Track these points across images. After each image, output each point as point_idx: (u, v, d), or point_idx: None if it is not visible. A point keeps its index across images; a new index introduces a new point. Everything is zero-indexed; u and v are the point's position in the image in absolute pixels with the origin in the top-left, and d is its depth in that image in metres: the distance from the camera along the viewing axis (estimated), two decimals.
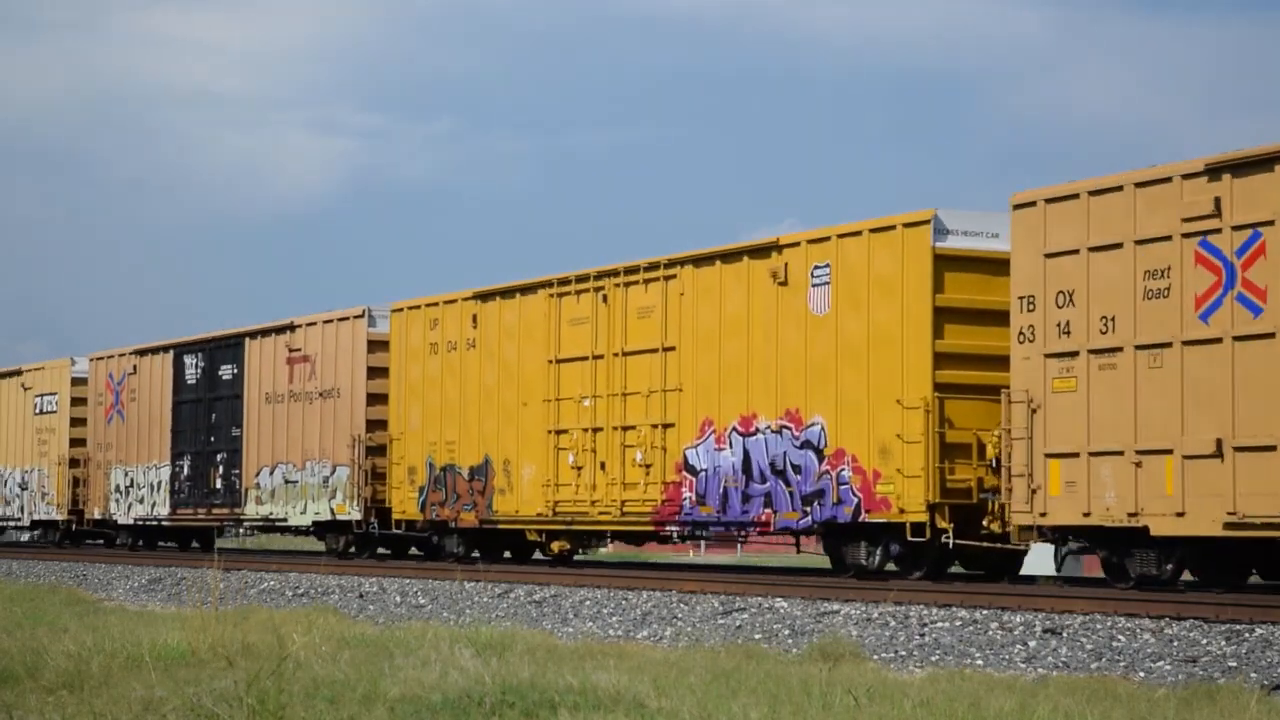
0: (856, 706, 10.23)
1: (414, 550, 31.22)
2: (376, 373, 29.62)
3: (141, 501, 36.27)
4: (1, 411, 42.42)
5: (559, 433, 25.19)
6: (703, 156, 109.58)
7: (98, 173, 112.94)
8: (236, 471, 33.07)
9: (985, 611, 16.97)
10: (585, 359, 24.81)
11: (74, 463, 39.12)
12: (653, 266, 23.75)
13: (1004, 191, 20.76)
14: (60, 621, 17.59)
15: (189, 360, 34.88)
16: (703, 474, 22.66)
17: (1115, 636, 15.23)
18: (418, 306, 28.38)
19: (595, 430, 24.53)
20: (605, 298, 24.50)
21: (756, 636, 17.03)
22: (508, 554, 28.70)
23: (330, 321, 30.58)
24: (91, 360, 38.57)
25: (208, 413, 34.09)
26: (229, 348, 33.60)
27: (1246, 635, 14.58)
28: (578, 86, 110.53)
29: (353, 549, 30.63)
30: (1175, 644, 14.64)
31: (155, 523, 35.96)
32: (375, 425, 29.54)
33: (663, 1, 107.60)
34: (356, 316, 29.93)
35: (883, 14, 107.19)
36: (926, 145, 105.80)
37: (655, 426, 23.49)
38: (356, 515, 29.42)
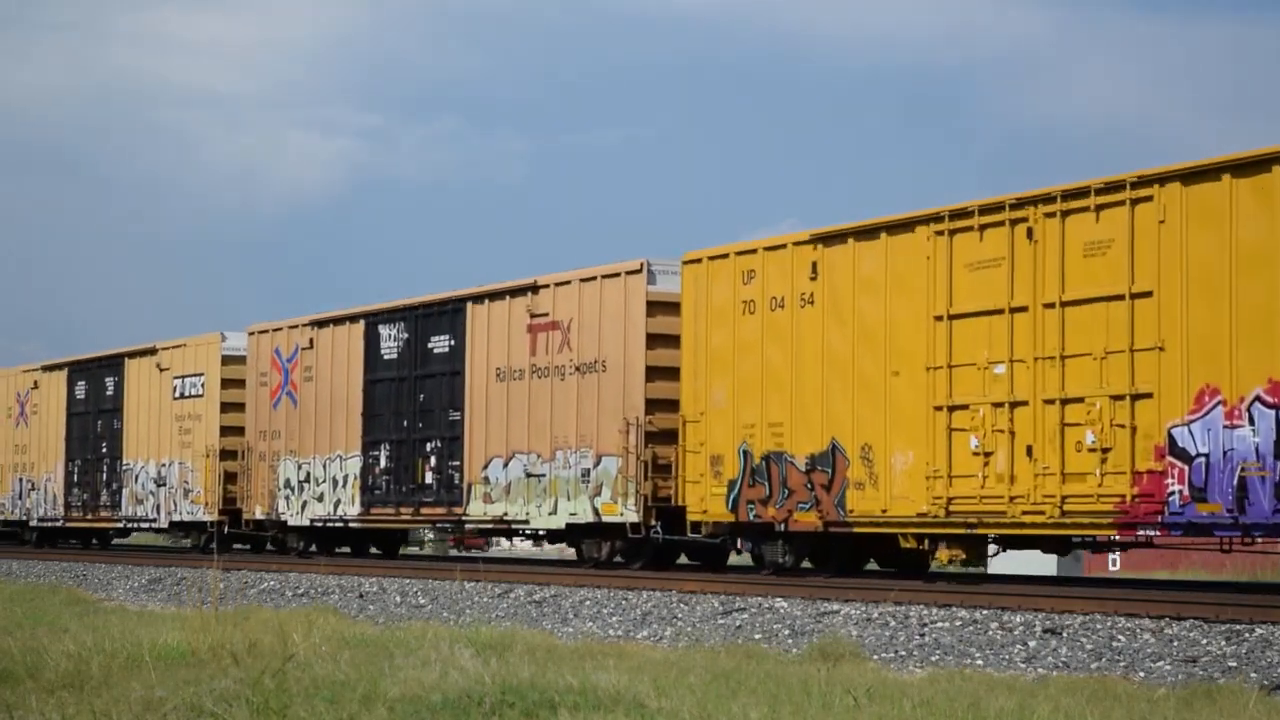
0: (856, 706, 10.23)
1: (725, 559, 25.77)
2: (658, 341, 24.00)
3: (320, 500, 30.64)
4: (130, 396, 36.87)
5: (952, 409, 19.50)
6: (702, 156, 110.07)
7: (97, 172, 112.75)
8: (455, 464, 27.42)
9: (985, 611, 16.96)
10: (994, 313, 19.13)
11: (227, 454, 33.58)
12: (1112, 187, 18.06)
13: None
14: (60, 621, 17.58)
15: (386, 331, 29.26)
16: (1199, 460, 16.96)
17: (1115, 636, 15.18)
18: (724, 255, 22.72)
19: (1014, 405, 18.82)
20: (1030, 232, 18.81)
21: (756, 636, 17.02)
22: (870, 564, 23.12)
23: (592, 279, 24.91)
24: (251, 334, 32.94)
25: (413, 393, 28.48)
26: (444, 314, 27.96)
27: (1246, 635, 14.50)
28: (577, 86, 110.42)
29: (618, 557, 25.00)
30: (1175, 644, 14.55)
31: (339, 524, 30.32)
32: (657, 405, 23.91)
33: (664, 2, 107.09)
34: (632, 272, 24.26)
35: (884, 13, 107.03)
36: (928, 145, 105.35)
37: (1117, 398, 17.79)
38: (632, 516, 23.74)
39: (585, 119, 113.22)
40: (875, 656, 15.06)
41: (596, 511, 24.39)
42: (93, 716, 10.34)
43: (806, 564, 22.48)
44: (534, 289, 25.94)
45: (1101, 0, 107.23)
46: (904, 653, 15.53)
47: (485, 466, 26.65)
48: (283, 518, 31.68)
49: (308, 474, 30.99)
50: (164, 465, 35.43)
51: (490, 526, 27.00)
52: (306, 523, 31.07)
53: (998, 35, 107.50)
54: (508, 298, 26.48)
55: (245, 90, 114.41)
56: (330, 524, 30.52)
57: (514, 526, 26.33)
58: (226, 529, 33.79)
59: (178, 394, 35.14)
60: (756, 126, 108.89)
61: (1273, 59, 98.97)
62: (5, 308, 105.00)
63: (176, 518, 35.07)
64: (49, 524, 40.39)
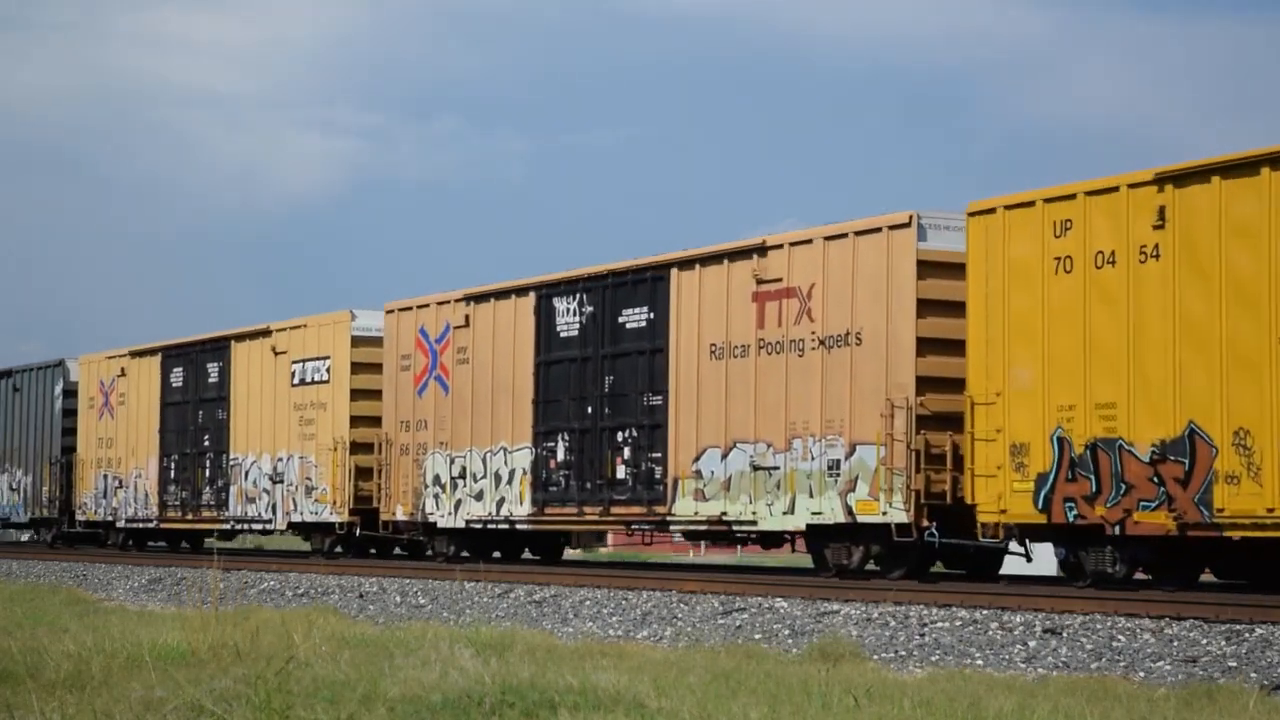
0: (856, 706, 10.19)
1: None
2: (930, 308, 20.22)
3: (479, 498, 26.85)
4: (238, 383, 33.14)
5: None
6: (702, 156, 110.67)
7: (97, 172, 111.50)
8: (656, 455, 23.63)
9: (985, 611, 16.86)
10: None
11: (358, 447, 29.81)
12: None
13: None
14: (60, 621, 17.65)
15: (563, 304, 25.51)
16: None
17: (1115, 636, 15.14)
18: (1027, 204, 18.92)
19: None
20: None
21: (756, 636, 16.97)
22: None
23: (841, 237, 21.10)
24: (390, 312, 29.18)
25: (599, 375, 24.70)
26: (640, 283, 24.18)
27: (1246, 635, 14.43)
28: (578, 86, 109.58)
29: (872, 563, 21.19)
30: (1175, 644, 14.51)
31: (504, 525, 26.54)
32: (928, 385, 20.13)
33: (664, 2, 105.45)
34: (897, 226, 20.46)
35: (884, 13, 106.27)
36: (926, 144, 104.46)
37: None
38: (899, 516, 19.93)
39: (585, 119, 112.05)
40: (875, 656, 15.02)
41: (850, 510, 20.61)
42: (93, 716, 10.32)
43: (1139, 574, 18.66)
44: (760, 250, 22.16)
45: (1101, 0, 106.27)
46: (904, 653, 15.44)
47: (697, 459, 22.87)
48: (430, 519, 27.88)
49: (463, 469, 27.19)
50: (281, 460, 31.65)
51: (704, 528, 23.17)
52: (461, 524, 27.26)
53: (998, 35, 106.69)
54: (725, 262, 22.69)
55: (245, 90, 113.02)
56: (493, 525, 26.73)
57: (736, 528, 22.53)
58: (359, 531, 30.00)
59: (297, 380, 31.34)
60: (756, 126, 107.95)
61: (1273, 59, 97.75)
62: (5, 307, 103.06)
63: (296, 518, 31.28)
64: (140, 525, 36.64)
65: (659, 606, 19.55)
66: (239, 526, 33.80)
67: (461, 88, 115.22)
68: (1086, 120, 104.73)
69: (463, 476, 27.16)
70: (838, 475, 20.75)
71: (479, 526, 26.98)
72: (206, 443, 34.02)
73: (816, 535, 21.51)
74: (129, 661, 12.85)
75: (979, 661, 14.72)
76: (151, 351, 36.08)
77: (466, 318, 27.22)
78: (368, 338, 30.00)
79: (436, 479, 27.78)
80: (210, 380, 34.00)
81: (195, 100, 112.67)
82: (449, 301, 27.70)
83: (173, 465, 35.15)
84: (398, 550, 32.06)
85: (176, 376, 35.13)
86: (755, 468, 21.87)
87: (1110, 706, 10.52)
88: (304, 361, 31.20)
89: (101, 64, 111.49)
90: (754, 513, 21.91)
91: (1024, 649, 15.10)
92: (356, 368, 30.01)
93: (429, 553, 28.62)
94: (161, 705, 10.44)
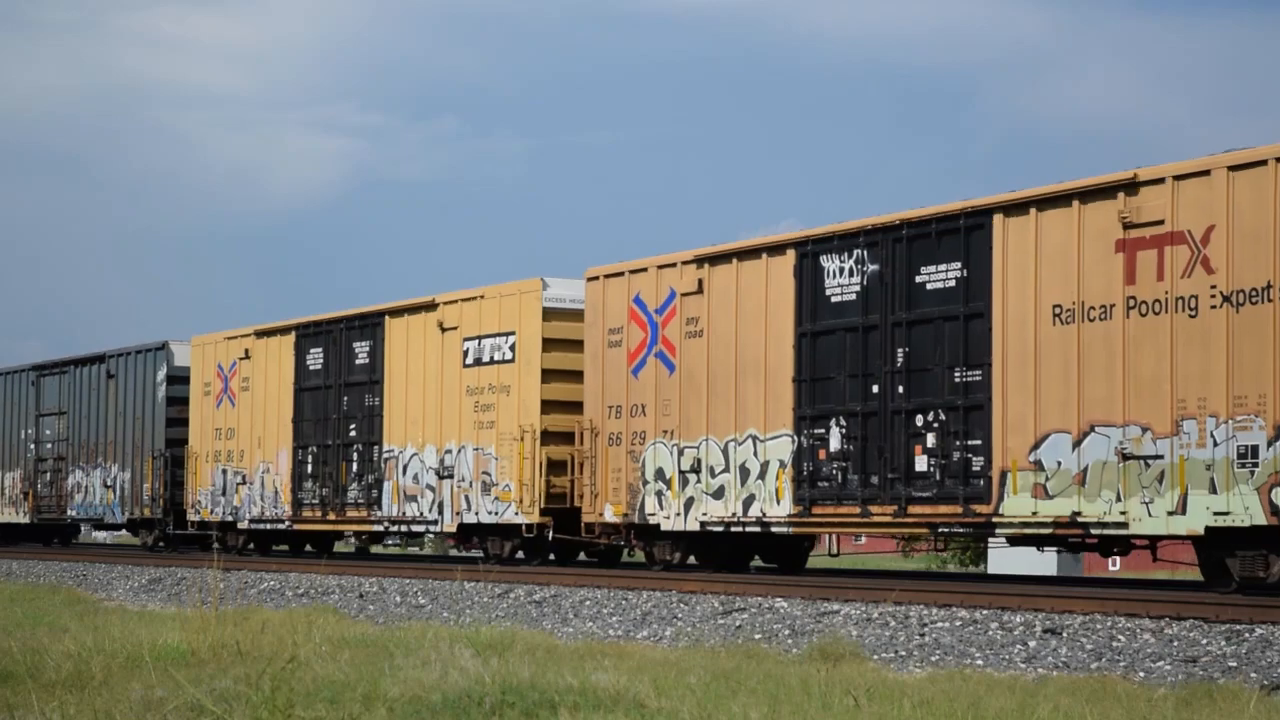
0: (856, 706, 10.20)
1: None
2: None
3: (719, 496, 22.55)
4: (393, 363, 28.84)
5: None
6: (702, 156, 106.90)
7: (97, 172, 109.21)
8: (974, 443, 19.36)
9: (985, 611, 16.79)
10: None
11: (551, 437, 25.56)
12: None
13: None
14: (60, 621, 17.76)
15: (832, 264, 21.25)
16: None
17: (1115, 636, 15.03)
18: None
19: None
20: None
21: (756, 636, 16.83)
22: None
23: (1257, 165, 16.81)
24: (592, 279, 24.91)
25: (887, 346, 20.43)
26: (944, 235, 19.89)
27: (1246, 635, 14.31)
28: (577, 86, 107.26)
29: None
30: (1175, 644, 14.41)
31: (754, 527, 22.21)
32: None
33: (664, 1, 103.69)
34: None
35: (884, 13, 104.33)
36: (926, 144, 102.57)
37: None
38: None
39: (585, 119, 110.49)
40: (875, 656, 14.97)
41: (1275, 509, 16.32)
42: (93, 716, 10.32)
43: None
44: (1129, 186, 17.89)
45: (1102, 0, 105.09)
46: (904, 653, 15.33)
47: (1036, 446, 18.61)
48: (651, 520, 23.58)
49: (696, 462, 22.89)
50: (449, 452, 27.34)
51: (1047, 532, 18.82)
52: (694, 526, 22.96)
53: (997, 35, 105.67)
54: (1075, 203, 18.43)
55: (245, 90, 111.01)
56: (739, 527, 22.41)
57: (1095, 530, 18.22)
58: (552, 533, 25.73)
59: (471, 360, 27.00)
60: (756, 126, 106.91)
61: (1273, 59, 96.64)
62: (5, 307, 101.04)
63: (470, 518, 26.89)
64: (268, 525, 32.36)
65: (659, 606, 19.52)
66: (395, 528, 29.13)
67: (461, 88, 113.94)
68: (1086, 120, 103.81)
69: (695, 470, 22.85)
70: (1253, 465, 16.48)
71: (719, 529, 22.67)
72: (353, 432, 29.65)
73: (1218, 541, 17.19)
74: (129, 661, 12.98)
75: (979, 661, 14.64)
76: (283, 330, 31.75)
77: (700, 283, 22.95)
78: (562, 309, 25.76)
79: (659, 473, 23.48)
80: (358, 361, 29.65)
81: (195, 100, 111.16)
82: (674, 264, 23.43)
83: (309, 458, 30.75)
84: (582, 555, 27.88)
85: (315, 358, 30.75)
86: (1125, 457, 17.61)
87: (1110, 706, 10.54)
88: (480, 338, 26.85)
89: (101, 64, 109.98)
90: (1123, 512, 17.63)
91: (1024, 649, 15.01)
92: (550, 344, 25.71)
93: (652, 561, 24.21)
94: (162, 705, 10.50)
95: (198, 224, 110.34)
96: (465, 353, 27.06)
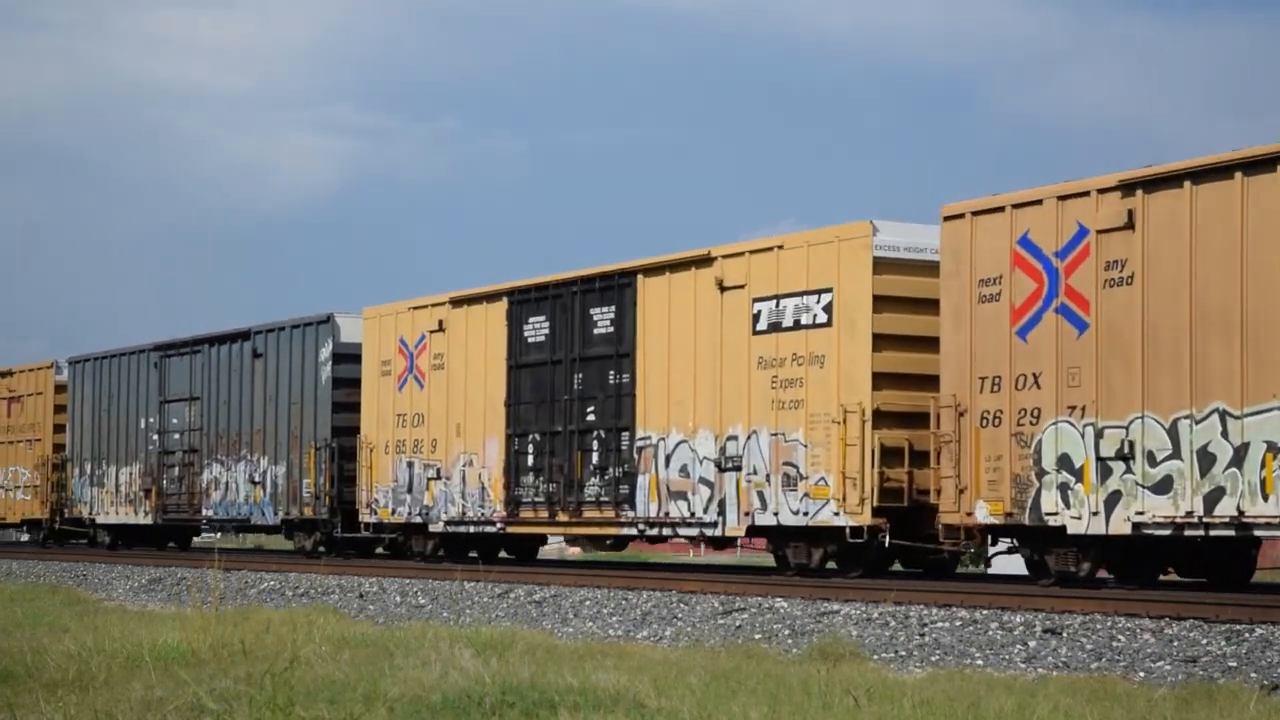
0: (856, 706, 10.22)
1: None
2: None
3: (1163, 489, 17.55)
4: (649, 331, 23.90)
5: None
6: (702, 156, 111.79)
7: (97, 172, 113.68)
8: None
9: (985, 611, 16.81)
10: None
11: (884, 418, 20.62)
12: None
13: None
14: (60, 621, 17.75)
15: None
16: None
17: (1115, 636, 15.03)
18: None
19: None
20: None
21: (756, 636, 16.82)
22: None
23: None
24: (950, 220, 19.79)
25: None
26: None
27: (1246, 635, 14.37)
28: (578, 86, 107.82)
29: None
30: (1175, 644, 14.45)
31: (1229, 530, 16.98)
32: None
33: (665, 1, 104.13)
34: None
35: (885, 13, 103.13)
36: (926, 144, 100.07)
37: None
38: None
39: (585, 119, 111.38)
40: (875, 656, 14.98)
41: None
42: (94, 716, 10.32)
43: None
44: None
45: (1101, 0, 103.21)
46: (904, 653, 15.38)
47: None
48: (1052, 520, 18.54)
49: (1121, 446, 17.84)
50: (734, 439, 22.15)
51: None
52: (1125, 528, 17.86)
53: (998, 35, 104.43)
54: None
55: (245, 90, 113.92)
56: (1198, 530, 17.27)
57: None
58: (886, 538, 20.60)
59: (765, 324, 21.93)
60: (756, 126, 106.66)
61: (1274, 59, 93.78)
62: (5, 306, 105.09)
63: (765, 519, 21.70)
64: (472, 528, 26.92)
65: (659, 606, 19.60)
66: (655, 531, 23.82)
67: (461, 88, 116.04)
68: (1086, 120, 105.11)
69: (1122, 457, 17.82)
70: None
71: (1162, 532, 17.67)
72: (590, 417, 24.61)
73: None
74: (129, 661, 12.95)
75: (979, 661, 14.67)
76: (490, 296, 26.61)
77: (1128, 214, 17.89)
78: (899, 260, 20.64)
79: (1064, 461, 18.44)
80: (597, 331, 24.72)
81: (195, 100, 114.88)
82: (1087, 193, 18.44)
83: (529, 448, 25.69)
84: (897, 565, 22.92)
85: (536, 328, 25.74)
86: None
87: (1110, 706, 10.53)
88: (778, 299, 21.74)
89: (101, 64, 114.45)
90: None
91: (1024, 649, 15.03)
92: (881, 303, 20.59)
93: (1049, 573, 19.10)
94: (162, 705, 10.52)
95: (198, 224, 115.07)
96: (756, 316, 22.11)
